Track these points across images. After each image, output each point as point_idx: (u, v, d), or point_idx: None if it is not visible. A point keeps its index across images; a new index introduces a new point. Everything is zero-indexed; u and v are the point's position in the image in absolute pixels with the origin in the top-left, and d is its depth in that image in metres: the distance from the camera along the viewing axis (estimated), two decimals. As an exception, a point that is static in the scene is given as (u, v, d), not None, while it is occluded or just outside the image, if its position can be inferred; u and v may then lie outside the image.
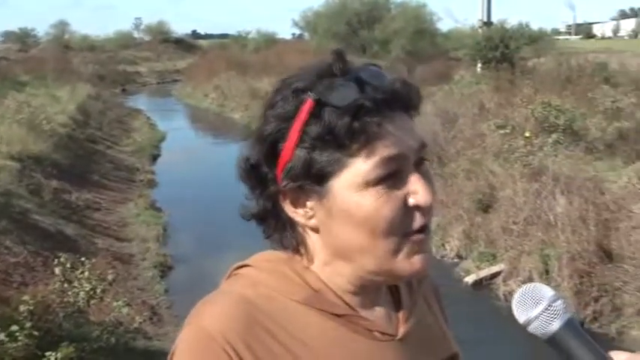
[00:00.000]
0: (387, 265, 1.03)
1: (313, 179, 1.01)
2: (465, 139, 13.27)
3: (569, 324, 0.98)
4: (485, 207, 10.58)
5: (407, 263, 1.03)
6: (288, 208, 1.05)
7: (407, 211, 1.01)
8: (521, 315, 1.01)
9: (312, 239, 1.07)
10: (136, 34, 77.63)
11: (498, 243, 9.76)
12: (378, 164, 0.99)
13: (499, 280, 9.01)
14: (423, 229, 1.04)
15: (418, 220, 1.03)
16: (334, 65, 1.02)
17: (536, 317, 0.99)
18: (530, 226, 9.44)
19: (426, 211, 1.03)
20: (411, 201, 1.01)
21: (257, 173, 1.05)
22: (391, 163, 0.99)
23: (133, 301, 7.89)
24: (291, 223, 1.07)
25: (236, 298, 1.03)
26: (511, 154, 11.43)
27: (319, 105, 0.99)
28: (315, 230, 1.06)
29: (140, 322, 7.07)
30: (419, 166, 1.04)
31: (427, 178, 1.04)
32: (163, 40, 70.17)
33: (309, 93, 0.99)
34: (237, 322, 1.00)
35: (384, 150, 0.99)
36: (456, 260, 10.19)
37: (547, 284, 1.00)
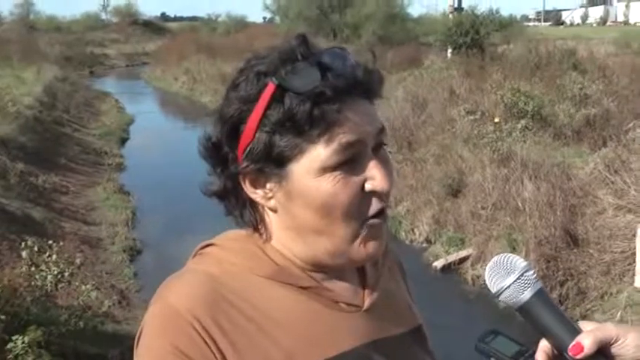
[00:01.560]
0: (342, 248, 1.05)
1: (273, 162, 1.02)
2: (435, 124, 13.34)
3: (539, 294, 1.00)
4: (455, 192, 10.66)
5: (362, 248, 1.05)
6: (248, 189, 1.06)
7: (364, 196, 1.03)
8: (493, 284, 1.02)
9: (271, 218, 1.09)
10: (103, 16, 76.73)
11: (467, 228, 9.85)
12: (337, 150, 1.00)
13: (467, 264, 9.10)
14: (380, 214, 1.05)
15: (374, 206, 1.04)
16: (297, 49, 1.03)
17: (508, 287, 1.01)
18: (499, 211, 9.54)
19: (382, 196, 1.05)
20: (368, 186, 1.03)
21: (218, 152, 1.07)
22: (349, 149, 1.01)
23: (101, 285, 7.85)
24: (251, 202, 1.08)
25: (202, 276, 1.05)
26: (480, 139, 11.52)
27: (281, 90, 1.00)
28: (274, 210, 1.07)
29: (109, 306, 7.04)
30: (377, 150, 1.05)
31: (385, 163, 1.06)
32: (132, 22, 69.34)
33: (272, 77, 1.00)
34: (204, 298, 1.01)
35: (342, 136, 1.00)
36: (425, 245, 10.26)
37: (538, 278, 1.01)
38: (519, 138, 11.42)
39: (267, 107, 1.00)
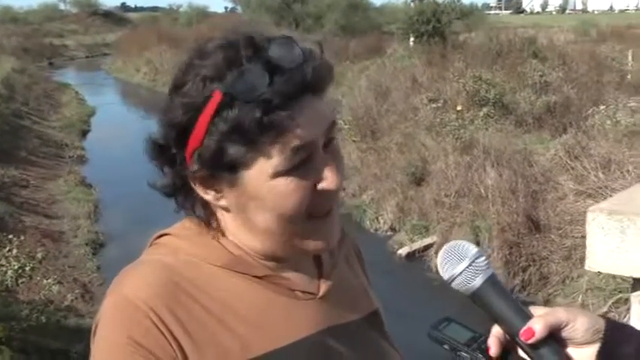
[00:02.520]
0: (295, 244, 1.06)
1: (223, 168, 1.00)
2: (398, 113, 13.40)
3: (491, 280, 1.00)
4: (418, 180, 10.72)
5: (314, 243, 1.06)
6: (199, 189, 1.05)
7: (316, 195, 1.02)
8: (445, 271, 1.02)
9: (224, 216, 1.08)
10: (62, 6, 75.70)
11: (431, 215, 9.92)
12: (288, 155, 0.99)
13: (431, 252, 9.16)
14: (330, 211, 1.06)
15: (326, 204, 1.04)
16: (243, 52, 0.99)
17: (460, 273, 1.00)
18: (462, 199, 9.62)
19: (333, 194, 1.04)
20: (321, 186, 1.03)
21: (166, 154, 1.04)
22: (301, 151, 0.99)
23: (64, 279, 7.78)
24: (202, 200, 1.07)
25: (157, 266, 1.04)
26: (443, 127, 11.60)
27: (228, 98, 0.97)
28: (226, 209, 1.07)
29: (72, 300, 6.99)
30: (328, 145, 1.04)
31: (336, 158, 1.05)
32: (91, 12, 68.65)
33: (218, 85, 0.97)
34: (160, 288, 1.01)
35: (294, 141, 0.98)
36: (389, 233, 10.32)
37: (490, 264, 1.01)
38: (481, 126, 11.52)
39: (215, 115, 0.97)
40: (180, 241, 1.08)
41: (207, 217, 1.08)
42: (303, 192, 1.01)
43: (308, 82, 1.00)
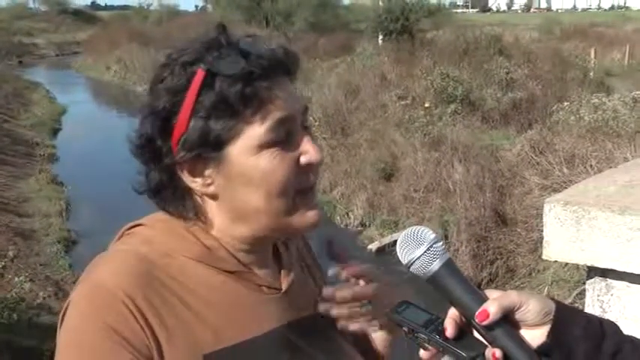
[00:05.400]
0: (283, 222, 1.08)
1: (210, 147, 1.03)
2: (368, 110, 13.43)
3: (448, 264, 1.03)
4: (388, 176, 10.77)
5: (303, 218, 1.09)
6: (187, 178, 1.06)
7: (300, 169, 1.06)
8: (404, 256, 1.04)
9: (210, 206, 1.10)
10: (31, 4, 74.76)
11: (400, 211, 9.97)
12: (272, 127, 1.03)
13: (401, 246, 9.20)
14: (314, 186, 1.10)
15: (310, 178, 1.08)
16: (220, 37, 1.05)
17: (418, 258, 1.03)
18: (430, 194, 9.68)
19: (315, 168, 1.08)
20: (304, 160, 1.06)
21: (151, 147, 1.06)
22: (283, 125, 1.04)
23: (35, 276, 7.69)
24: (189, 193, 1.09)
25: (133, 255, 1.05)
26: (412, 124, 11.65)
27: (210, 75, 1.01)
28: (213, 197, 1.08)
29: (44, 298, 6.90)
30: (305, 129, 1.09)
31: (313, 137, 1.09)
32: (61, 10, 67.78)
33: (200, 65, 1.02)
34: (135, 277, 1.02)
35: (275, 113, 1.03)
36: (359, 228, 10.36)
37: (446, 249, 1.05)
38: (449, 122, 11.60)
39: (199, 94, 1.01)
40: (154, 231, 1.10)
41: (195, 212, 1.10)
42: (287, 165, 1.05)
43: (280, 60, 1.06)
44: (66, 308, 1.03)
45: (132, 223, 1.13)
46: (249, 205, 1.06)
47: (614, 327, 1.06)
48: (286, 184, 1.05)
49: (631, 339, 1.06)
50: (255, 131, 1.03)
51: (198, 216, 1.10)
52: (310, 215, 1.09)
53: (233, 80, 1.01)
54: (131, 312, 0.99)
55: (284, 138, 1.05)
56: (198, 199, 1.09)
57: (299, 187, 1.07)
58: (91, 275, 1.04)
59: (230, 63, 1.02)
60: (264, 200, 1.05)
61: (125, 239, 1.11)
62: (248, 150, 1.03)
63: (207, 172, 1.06)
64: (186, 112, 1.02)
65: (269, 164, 1.04)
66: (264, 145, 1.03)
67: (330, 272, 1.16)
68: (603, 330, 1.04)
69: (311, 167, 1.07)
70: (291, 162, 1.05)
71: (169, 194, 1.09)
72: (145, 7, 62.04)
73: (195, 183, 1.07)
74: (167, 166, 1.06)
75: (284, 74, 1.07)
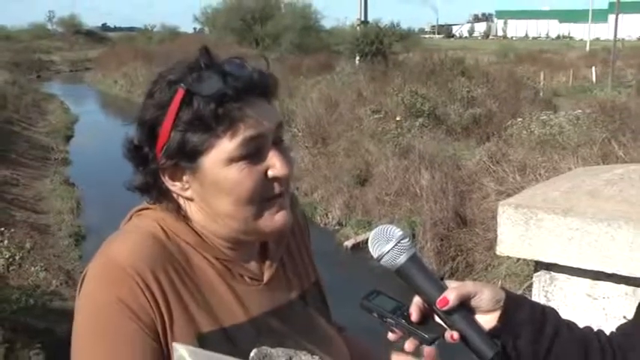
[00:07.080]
0: (251, 226, 1.09)
1: (187, 157, 1.05)
2: (345, 122, 13.45)
3: (413, 258, 1.06)
4: (363, 181, 10.79)
5: (269, 222, 1.09)
6: (167, 182, 1.08)
7: (267, 181, 1.07)
8: (375, 250, 1.06)
9: (190, 206, 1.11)
10: (49, 26, 74.19)
11: (373, 212, 9.99)
12: (241, 143, 1.04)
13: (373, 243, 9.20)
14: (282, 194, 1.10)
15: (276, 188, 1.09)
16: (201, 60, 1.06)
17: (388, 252, 1.05)
18: (400, 197, 9.72)
19: (283, 180, 1.08)
20: (271, 173, 1.07)
21: (139, 153, 1.08)
22: (252, 142, 1.05)
23: (49, 266, 7.63)
24: (171, 194, 1.10)
25: (145, 234, 1.07)
26: (384, 135, 11.70)
27: (189, 94, 1.03)
28: (191, 200, 1.10)
29: (56, 286, 6.88)
30: (278, 143, 1.09)
31: (285, 153, 1.09)
32: (75, 31, 67.43)
33: (181, 84, 1.03)
34: (147, 255, 1.03)
35: (245, 131, 1.04)
36: (337, 227, 10.36)
37: (413, 245, 1.07)
38: (417, 134, 11.66)
39: (179, 110, 1.03)
40: (162, 214, 1.11)
41: (177, 209, 1.10)
42: (254, 177, 1.05)
43: (255, 83, 1.06)
44: (83, 277, 1.04)
45: (139, 207, 1.14)
46: (220, 209, 1.07)
47: (554, 313, 1.11)
48: (253, 193, 1.06)
49: (567, 323, 1.11)
50: (226, 146, 1.03)
51: (180, 213, 1.11)
52: (276, 219, 1.09)
53: (208, 100, 1.02)
54: (141, 289, 1.00)
55: (253, 152, 1.05)
56: (180, 199, 1.11)
57: (266, 196, 1.07)
58: (107, 251, 1.04)
59: (207, 85, 1.03)
60: (233, 206, 1.06)
61: (137, 220, 1.12)
62: (219, 162, 1.04)
63: (185, 178, 1.08)
64: (168, 125, 1.04)
65: (237, 176, 1.04)
66: (233, 159, 1.04)
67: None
68: (545, 315, 1.09)
69: (278, 179, 1.08)
70: (258, 174, 1.06)
71: (155, 193, 1.11)
72: (150, 28, 61.66)
73: (174, 186, 1.08)
74: (152, 170, 1.08)
75: (259, 95, 1.07)
